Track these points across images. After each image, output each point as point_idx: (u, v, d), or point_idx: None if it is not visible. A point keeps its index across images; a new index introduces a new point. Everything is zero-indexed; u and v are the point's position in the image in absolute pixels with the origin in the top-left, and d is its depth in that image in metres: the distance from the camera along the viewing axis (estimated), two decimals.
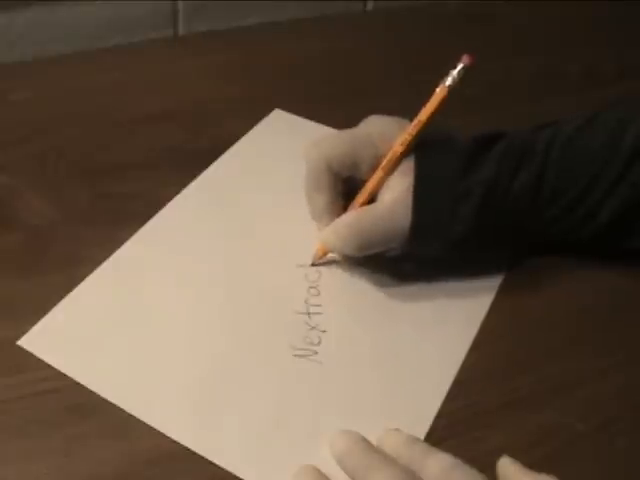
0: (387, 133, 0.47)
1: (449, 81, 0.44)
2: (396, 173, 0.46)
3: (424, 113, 0.45)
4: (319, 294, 0.48)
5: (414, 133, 0.45)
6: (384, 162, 0.46)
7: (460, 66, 0.44)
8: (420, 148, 0.46)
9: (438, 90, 0.45)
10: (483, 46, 0.74)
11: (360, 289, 0.49)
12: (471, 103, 0.64)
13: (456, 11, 0.79)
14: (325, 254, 0.50)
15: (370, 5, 0.79)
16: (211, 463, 0.39)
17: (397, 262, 0.49)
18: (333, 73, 0.69)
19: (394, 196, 0.46)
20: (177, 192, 0.54)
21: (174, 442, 0.39)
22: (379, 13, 0.80)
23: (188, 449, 0.39)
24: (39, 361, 0.43)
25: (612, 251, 0.50)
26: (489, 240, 0.48)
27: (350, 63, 0.71)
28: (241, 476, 0.38)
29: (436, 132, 0.46)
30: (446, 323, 0.47)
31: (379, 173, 0.46)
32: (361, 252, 0.47)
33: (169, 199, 0.53)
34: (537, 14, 0.80)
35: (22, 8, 0.66)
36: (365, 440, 0.39)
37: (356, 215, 0.47)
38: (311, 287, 0.48)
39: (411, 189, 0.45)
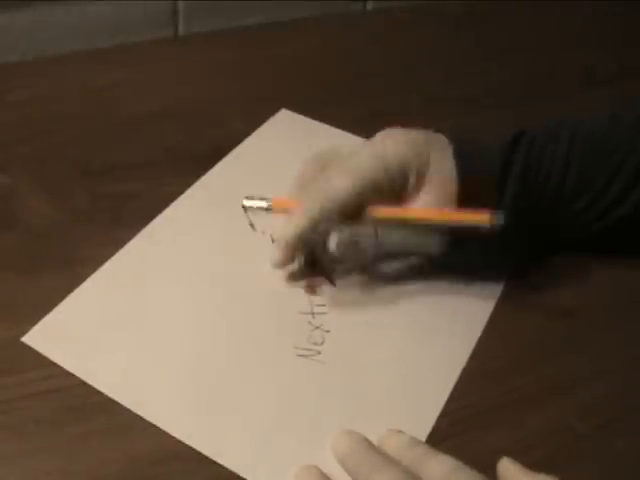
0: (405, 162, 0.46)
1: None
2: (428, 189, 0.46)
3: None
4: (323, 294, 0.48)
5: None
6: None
7: None
8: (457, 155, 0.46)
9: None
10: (482, 46, 0.75)
11: (364, 289, 0.49)
12: (471, 103, 0.65)
13: (455, 11, 0.79)
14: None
15: (370, 5, 0.79)
16: (214, 463, 0.39)
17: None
18: (333, 73, 0.69)
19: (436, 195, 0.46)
20: (178, 192, 0.54)
21: (178, 441, 0.39)
22: (379, 13, 0.80)
23: (191, 449, 0.39)
24: (41, 360, 0.43)
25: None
26: (524, 230, 0.48)
27: (350, 63, 0.71)
28: (244, 476, 0.38)
29: (465, 141, 0.47)
30: (449, 325, 0.47)
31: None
32: None
33: (169, 199, 0.53)
34: (536, 14, 0.80)
35: (22, 8, 0.66)
36: (367, 441, 0.39)
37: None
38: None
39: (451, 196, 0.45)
